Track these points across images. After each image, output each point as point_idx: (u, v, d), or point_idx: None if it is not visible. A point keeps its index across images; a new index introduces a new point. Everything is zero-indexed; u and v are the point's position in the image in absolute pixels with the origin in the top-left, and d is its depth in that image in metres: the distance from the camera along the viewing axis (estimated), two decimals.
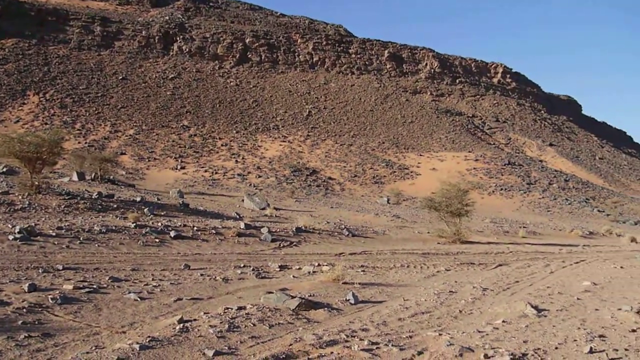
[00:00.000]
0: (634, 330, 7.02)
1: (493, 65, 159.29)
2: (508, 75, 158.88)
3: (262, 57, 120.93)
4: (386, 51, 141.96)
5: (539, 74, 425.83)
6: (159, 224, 16.81)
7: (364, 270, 12.38)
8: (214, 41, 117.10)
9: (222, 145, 74.32)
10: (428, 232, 25.05)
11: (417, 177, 77.35)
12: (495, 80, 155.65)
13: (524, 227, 35.94)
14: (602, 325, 7.31)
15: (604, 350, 5.91)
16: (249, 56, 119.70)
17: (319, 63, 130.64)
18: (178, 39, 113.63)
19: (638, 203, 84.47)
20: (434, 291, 9.72)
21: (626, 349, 6.07)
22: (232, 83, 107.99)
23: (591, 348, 5.92)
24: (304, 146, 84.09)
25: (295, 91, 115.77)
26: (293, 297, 7.87)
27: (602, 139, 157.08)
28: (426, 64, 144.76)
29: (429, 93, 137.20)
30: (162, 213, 20.06)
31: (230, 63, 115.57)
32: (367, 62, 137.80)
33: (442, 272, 13.14)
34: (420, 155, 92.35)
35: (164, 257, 12.89)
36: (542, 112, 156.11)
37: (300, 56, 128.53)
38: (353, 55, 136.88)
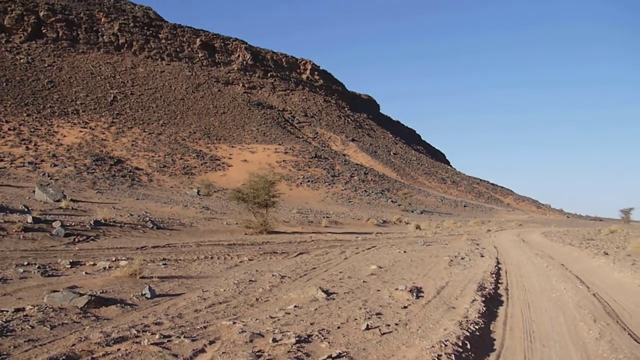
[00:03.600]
0: (405, 307, 7.97)
1: (302, 62, 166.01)
2: (316, 73, 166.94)
3: (60, 34, 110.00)
4: (198, 39, 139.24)
5: (343, 73, 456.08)
6: None
7: (165, 264, 12.10)
8: (0, 10, 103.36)
9: (9, 129, 66.02)
10: (236, 224, 25.31)
11: (229, 169, 77.53)
12: (304, 76, 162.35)
13: (327, 217, 38.26)
14: (381, 304, 8.16)
15: (378, 327, 6.61)
16: (44, 32, 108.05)
17: (126, 46, 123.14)
18: None
19: (424, 194, 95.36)
20: (234, 281, 9.89)
21: (397, 324, 6.87)
22: (22, 60, 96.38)
23: (368, 325, 6.58)
24: (108, 134, 78.70)
25: (99, 74, 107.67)
26: (82, 295, 7.39)
27: (396, 136, 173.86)
28: (239, 56, 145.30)
29: (241, 85, 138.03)
30: None
31: (21, 37, 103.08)
32: (178, 49, 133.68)
33: (245, 262, 13.41)
34: (232, 146, 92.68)
35: None
36: (346, 109, 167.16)
37: (105, 37, 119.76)
38: (163, 41, 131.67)
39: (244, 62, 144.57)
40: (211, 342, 5.72)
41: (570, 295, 9.89)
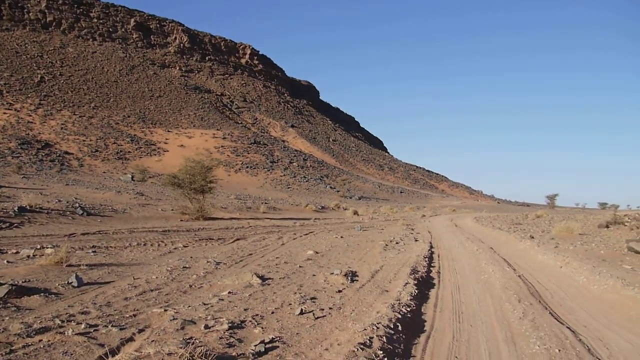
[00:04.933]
0: (340, 291, 8.05)
1: (242, 46, 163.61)
2: (255, 57, 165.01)
3: None
4: (132, 19, 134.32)
5: (283, 58, 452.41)
6: None
7: (95, 251, 11.65)
8: None
9: None
10: (172, 210, 24.74)
11: (165, 154, 75.71)
12: (243, 60, 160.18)
13: (265, 203, 38.08)
14: (316, 288, 8.20)
15: (312, 311, 6.63)
16: None
17: (54, 24, 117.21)
18: None
19: (362, 181, 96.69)
20: (167, 268, 9.66)
21: (331, 308, 6.92)
22: None
23: (302, 310, 6.59)
24: (35, 116, 74.87)
25: (24, 53, 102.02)
26: (2, 285, 6.99)
27: (336, 123, 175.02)
28: (175, 38, 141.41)
29: (178, 68, 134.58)
30: None
31: None
32: (110, 29, 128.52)
33: (179, 249, 13.13)
34: (169, 131, 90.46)
35: None
36: (286, 95, 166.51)
37: (31, 13, 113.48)
38: (95, 20, 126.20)
39: (181, 44, 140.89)
40: (140, 331, 5.56)
41: (497, 277, 10.29)
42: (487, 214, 44.91)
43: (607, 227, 21.24)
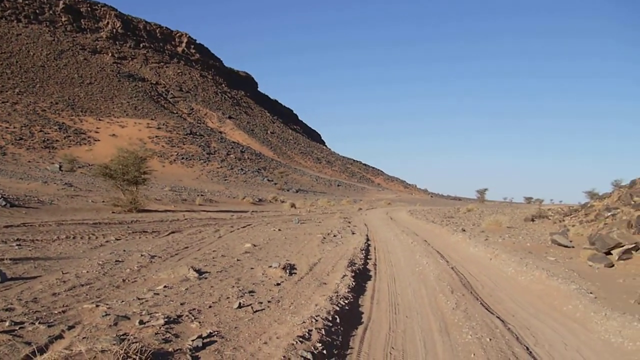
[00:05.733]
0: (278, 284, 8.03)
1: (178, 34, 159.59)
2: (192, 46, 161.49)
3: None
4: (61, 2, 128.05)
5: (220, 48, 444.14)
6: None
7: (19, 245, 11.05)
8: None
9: None
10: (103, 202, 23.86)
11: (96, 143, 72.95)
12: (179, 49, 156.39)
13: (201, 195, 37.46)
14: (254, 282, 8.14)
15: (250, 305, 6.58)
16: None
17: None
18: None
19: (300, 174, 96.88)
20: (98, 262, 9.31)
21: (269, 301, 6.89)
22: None
23: (240, 303, 6.52)
24: None
25: None
26: None
27: (274, 115, 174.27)
28: (108, 23, 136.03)
29: (110, 54, 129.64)
30: None
31: None
32: (37, 11, 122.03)
33: (111, 242, 12.69)
34: (100, 119, 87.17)
35: None
36: (223, 85, 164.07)
37: None
38: (20, 0, 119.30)
39: (114, 30, 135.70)
40: (70, 327, 5.32)
41: (431, 269, 10.59)
42: (421, 208, 46.12)
43: (533, 220, 22.32)
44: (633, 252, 10.46)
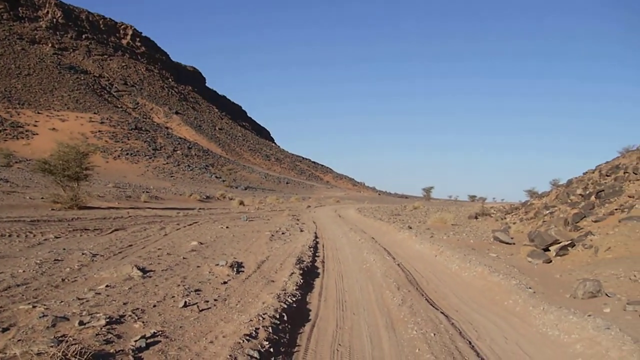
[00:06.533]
0: (225, 282, 7.93)
1: (123, 26, 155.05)
2: (138, 39, 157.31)
3: None
4: None
5: (167, 42, 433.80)
6: None
7: None
8: None
9: None
10: (42, 198, 22.91)
11: (34, 137, 70.03)
12: (124, 42, 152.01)
13: (147, 191, 36.60)
14: (200, 280, 8.01)
15: (196, 303, 6.47)
16: None
17: None
18: None
19: (249, 171, 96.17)
20: (36, 261, 8.92)
21: (216, 300, 6.80)
22: None
23: (186, 302, 6.40)
24: None
25: None
26: None
27: (222, 111, 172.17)
28: (47, 12, 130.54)
29: (50, 45, 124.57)
30: None
31: None
32: None
33: (50, 240, 12.19)
34: (39, 113, 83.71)
35: None
36: (170, 80, 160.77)
37: None
38: None
39: (54, 19, 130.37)
40: (5, 330, 5.07)
41: (378, 266, 10.72)
42: (369, 205, 46.70)
43: (476, 218, 23.00)
44: (569, 248, 10.94)
